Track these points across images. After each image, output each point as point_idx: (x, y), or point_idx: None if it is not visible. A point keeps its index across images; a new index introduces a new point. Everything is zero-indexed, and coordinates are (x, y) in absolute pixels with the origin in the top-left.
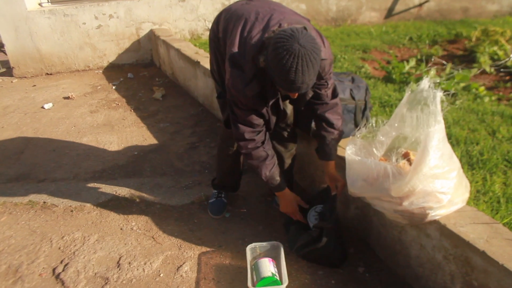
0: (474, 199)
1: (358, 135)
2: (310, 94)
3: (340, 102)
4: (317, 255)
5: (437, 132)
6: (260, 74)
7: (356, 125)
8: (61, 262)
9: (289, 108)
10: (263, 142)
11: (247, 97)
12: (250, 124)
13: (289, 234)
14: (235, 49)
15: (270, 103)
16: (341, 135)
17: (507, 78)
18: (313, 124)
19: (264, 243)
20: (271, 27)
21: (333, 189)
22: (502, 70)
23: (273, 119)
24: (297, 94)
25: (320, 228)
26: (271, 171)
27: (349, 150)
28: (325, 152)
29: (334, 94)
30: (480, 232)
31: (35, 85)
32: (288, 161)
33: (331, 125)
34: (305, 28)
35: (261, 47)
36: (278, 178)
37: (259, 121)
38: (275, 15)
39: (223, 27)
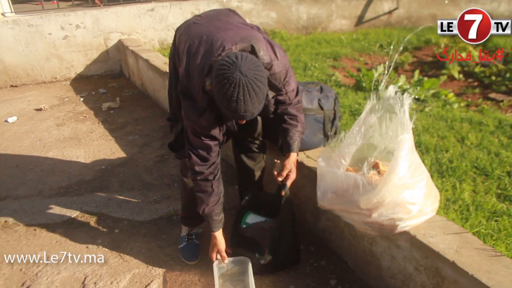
0: (444, 208)
1: (329, 146)
2: (272, 108)
3: (302, 100)
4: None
5: (406, 142)
6: (213, 101)
7: (325, 135)
8: (23, 284)
9: (257, 121)
10: (214, 177)
11: (203, 127)
12: (203, 157)
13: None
14: (184, 80)
15: (226, 126)
16: (304, 129)
17: (476, 84)
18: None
19: (231, 258)
20: (214, 51)
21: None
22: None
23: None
24: (244, 121)
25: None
26: (210, 208)
27: (321, 161)
28: (288, 144)
29: (297, 93)
30: (450, 242)
31: None
32: (257, 174)
33: (293, 117)
34: (252, 46)
35: (208, 72)
36: (215, 217)
37: (213, 152)
38: (220, 34)
39: (177, 48)
